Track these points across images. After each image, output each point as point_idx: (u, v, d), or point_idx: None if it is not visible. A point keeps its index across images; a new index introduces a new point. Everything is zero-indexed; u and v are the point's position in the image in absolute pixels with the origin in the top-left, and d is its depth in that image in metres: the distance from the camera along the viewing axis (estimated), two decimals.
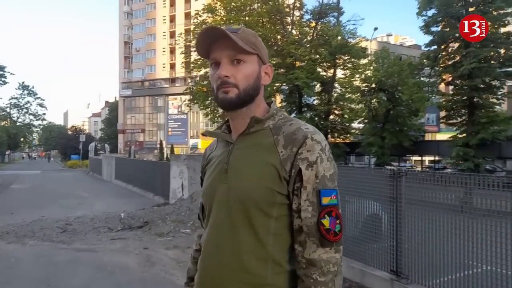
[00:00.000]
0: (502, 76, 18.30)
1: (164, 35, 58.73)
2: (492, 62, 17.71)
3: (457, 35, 18.20)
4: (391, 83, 20.63)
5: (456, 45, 19.02)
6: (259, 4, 22.80)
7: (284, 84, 22.64)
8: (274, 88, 22.52)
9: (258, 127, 1.16)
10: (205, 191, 1.23)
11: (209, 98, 25.23)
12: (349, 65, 20.91)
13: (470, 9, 17.90)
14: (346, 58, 20.80)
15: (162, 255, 6.37)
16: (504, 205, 3.79)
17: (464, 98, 18.42)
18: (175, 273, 5.51)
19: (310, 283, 1.06)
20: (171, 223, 8.46)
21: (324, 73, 21.26)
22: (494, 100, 18.82)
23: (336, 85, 21.37)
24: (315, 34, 22.02)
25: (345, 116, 20.89)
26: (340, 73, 21.77)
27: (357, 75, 21.21)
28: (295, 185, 1.09)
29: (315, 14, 22.10)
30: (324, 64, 21.28)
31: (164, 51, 58.94)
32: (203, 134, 1.39)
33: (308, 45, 20.10)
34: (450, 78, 19.73)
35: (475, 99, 18.18)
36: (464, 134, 18.49)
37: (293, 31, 22.30)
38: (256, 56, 1.18)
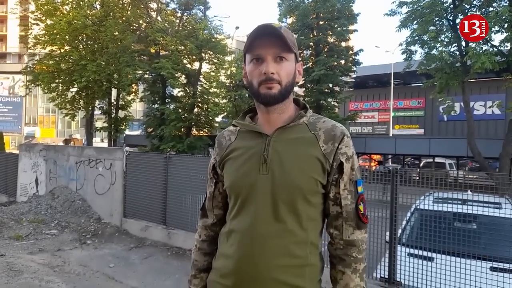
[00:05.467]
0: (342, 84, 21.53)
1: None
2: (335, 70, 20.58)
3: (310, 43, 20.51)
4: None
5: (309, 52, 21.42)
6: None
7: (147, 72, 21.56)
8: (137, 76, 21.28)
9: (296, 122, 1.24)
10: (237, 181, 1.23)
11: (56, 81, 22.21)
12: (215, 61, 21.26)
13: (321, 22, 20.40)
14: (211, 53, 21.06)
15: (27, 261, 5.38)
16: None
17: (313, 100, 20.90)
18: (52, 279, 4.74)
19: (351, 260, 1.22)
20: (29, 224, 7.17)
21: (189, 66, 21.08)
22: (335, 104, 22.01)
23: (201, 78, 21.45)
24: (181, 25, 21.65)
25: (210, 110, 21.16)
26: (206, 67, 21.95)
27: (223, 71, 21.75)
28: (334, 176, 1.22)
29: (181, 4, 21.66)
30: (190, 56, 21.11)
31: None
32: (233, 125, 1.36)
33: (174, 36, 19.58)
34: (303, 81, 22.12)
35: (321, 102, 20.84)
36: None
37: (159, 18, 21.44)
38: (294, 54, 1.23)
